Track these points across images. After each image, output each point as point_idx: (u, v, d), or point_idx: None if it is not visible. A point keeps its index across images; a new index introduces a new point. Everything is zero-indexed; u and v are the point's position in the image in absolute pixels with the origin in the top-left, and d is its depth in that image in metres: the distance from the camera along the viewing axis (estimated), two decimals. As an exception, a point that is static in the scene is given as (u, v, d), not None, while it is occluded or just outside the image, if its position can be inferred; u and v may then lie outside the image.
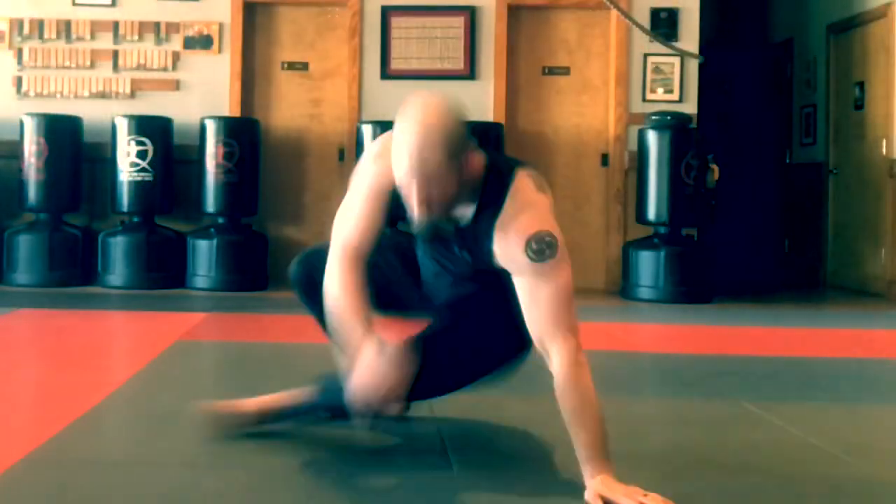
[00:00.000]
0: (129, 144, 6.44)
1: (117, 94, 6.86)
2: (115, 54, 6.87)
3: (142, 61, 6.87)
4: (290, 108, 7.04)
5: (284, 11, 7.07)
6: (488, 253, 2.24)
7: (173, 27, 6.89)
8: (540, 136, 7.07)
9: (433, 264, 2.48)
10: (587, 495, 2.10)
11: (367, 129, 6.50)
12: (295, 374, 3.62)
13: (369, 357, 2.17)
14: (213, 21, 6.91)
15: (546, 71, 7.10)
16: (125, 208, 6.50)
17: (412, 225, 2.25)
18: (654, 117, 6.57)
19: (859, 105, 7.54)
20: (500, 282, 2.26)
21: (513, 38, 7.02)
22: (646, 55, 6.93)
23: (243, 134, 6.58)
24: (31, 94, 6.85)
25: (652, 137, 6.52)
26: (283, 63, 7.06)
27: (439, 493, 2.25)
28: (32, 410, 3.11)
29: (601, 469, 2.11)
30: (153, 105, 6.80)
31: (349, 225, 2.34)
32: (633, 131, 6.86)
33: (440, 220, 2.24)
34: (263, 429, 2.64)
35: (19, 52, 6.86)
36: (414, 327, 2.22)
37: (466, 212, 2.26)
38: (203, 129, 6.54)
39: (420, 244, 2.50)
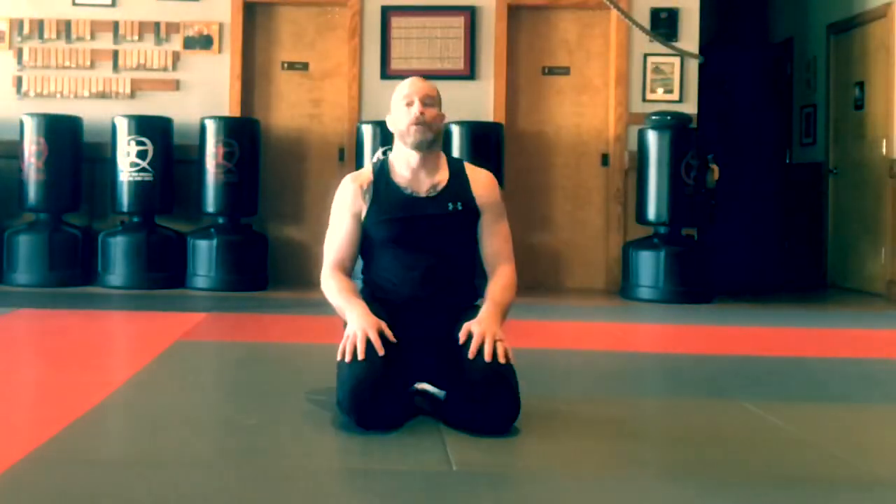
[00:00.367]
0: (129, 144, 6.44)
1: (117, 94, 6.87)
2: (115, 54, 6.88)
3: (142, 61, 6.88)
4: (290, 108, 7.05)
5: (284, 11, 7.07)
6: (472, 198, 3.00)
7: (173, 27, 6.90)
8: (540, 136, 7.07)
9: (413, 258, 2.99)
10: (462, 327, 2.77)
11: (367, 129, 6.51)
12: (295, 374, 3.63)
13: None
14: (213, 21, 6.91)
15: (546, 71, 7.10)
16: (125, 208, 6.50)
17: (405, 140, 2.96)
18: (654, 117, 6.57)
19: (859, 105, 7.54)
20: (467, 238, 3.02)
21: (513, 38, 7.02)
22: (646, 55, 6.94)
23: (243, 134, 6.58)
24: (31, 94, 6.85)
25: (652, 137, 6.52)
26: (283, 63, 7.06)
27: (439, 492, 2.25)
28: (32, 410, 3.11)
29: (489, 311, 2.83)
30: (153, 105, 6.80)
31: (335, 246, 3.04)
32: (633, 131, 6.86)
33: (427, 143, 2.96)
34: (265, 426, 2.63)
35: (19, 52, 6.86)
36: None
37: (441, 179, 3.01)
38: (203, 129, 6.54)
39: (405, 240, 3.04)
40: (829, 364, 4.28)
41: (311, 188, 7.01)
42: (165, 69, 6.89)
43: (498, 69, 6.93)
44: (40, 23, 6.86)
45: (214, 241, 6.39)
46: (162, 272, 6.44)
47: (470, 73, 6.91)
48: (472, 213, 3.00)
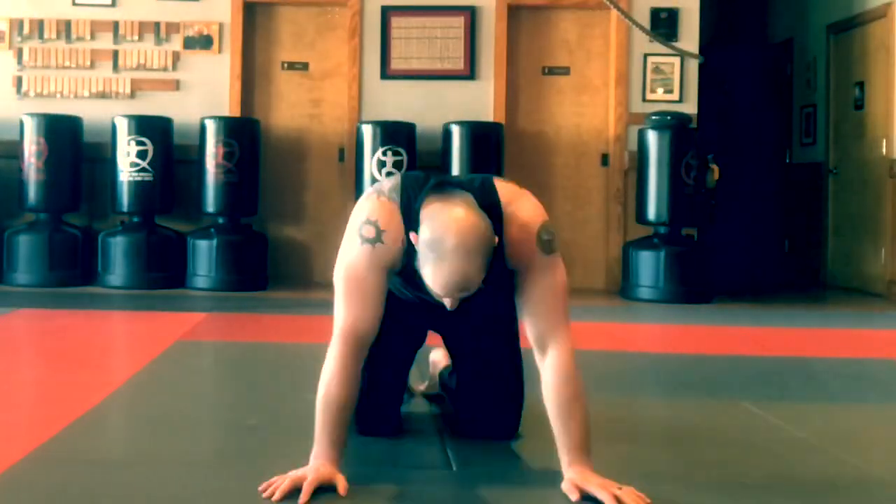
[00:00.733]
0: (129, 144, 6.44)
1: (117, 94, 6.87)
2: (115, 54, 6.88)
3: (142, 61, 6.88)
4: (290, 108, 7.05)
5: (284, 11, 7.07)
6: (504, 265, 2.28)
7: (173, 27, 6.90)
8: (540, 136, 7.07)
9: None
10: (564, 485, 2.15)
11: (367, 129, 6.51)
12: (295, 374, 3.62)
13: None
14: (213, 21, 6.91)
15: (546, 71, 7.10)
16: (125, 208, 6.50)
17: (426, 294, 2.24)
18: (654, 117, 6.57)
19: (859, 105, 7.54)
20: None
21: (513, 38, 7.02)
22: (646, 55, 6.94)
23: (243, 134, 6.58)
24: (31, 94, 6.85)
25: (652, 137, 6.52)
26: (283, 63, 7.06)
27: (439, 493, 2.25)
28: (32, 410, 3.10)
29: (581, 461, 2.17)
30: (153, 105, 6.80)
31: (355, 314, 2.26)
32: (633, 131, 6.86)
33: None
34: (265, 426, 2.63)
35: (19, 52, 6.86)
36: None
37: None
38: (203, 129, 6.54)
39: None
40: (829, 364, 4.27)
41: (311, 188, 7.01)
42: (165, 69, 6.89)
43: (498, 69, 6.93)
44: (40, 23, 6.86)
45: (214, 241, 6.39)
46: (162, 272, 6.44)
47: (470, 73, 6.91)
48: (503, 277, 2.32)
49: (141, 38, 6.89)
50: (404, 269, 2.27)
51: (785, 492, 2.31)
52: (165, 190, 6.57)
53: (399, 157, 6.41)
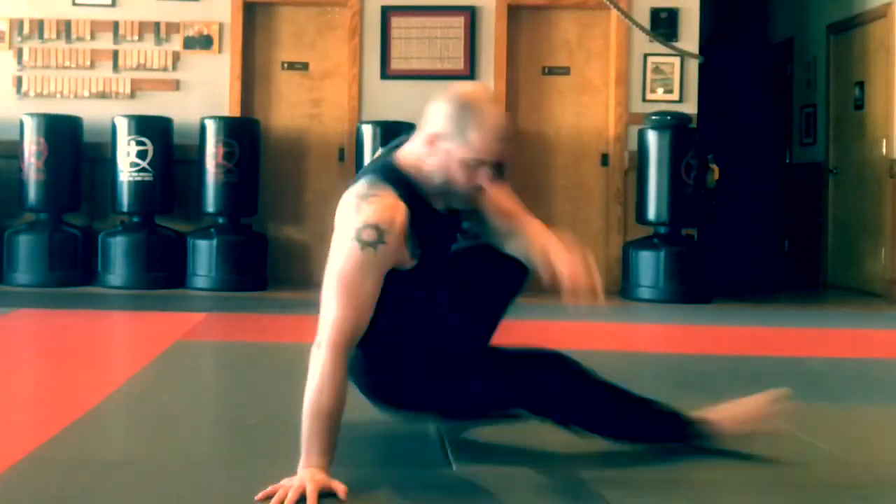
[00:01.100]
0: (129, 144, 6.44)
1: (117, 94, 6.87)
2: (115, 54, 6.88)
3: (142, 61, 6.87)
4: (290, 108, 7.05)
5: (284, 11, 7.07)
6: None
7: (173, 27, 6.89)
8: (540, 136, 7.07)
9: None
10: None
11: (367, 129, 6.51)
12: (295, 374, 3.62)
13: None
14: (213, 21, 6.91)
15: (546, 71, 7.10)
16: (125, 208, 6.50)
17: (457, 202, 2.43)
18: (654, 117, 6.57)
19: (859, 105, 7.54)
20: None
21: (513, 38, 7.02)
22: (646, 55, 6.93)
23: (243, 134, 6.58)
24: (31, 94, 6.85)
25: (652, 137, 6.52)
26: (283, 63, 7.06)
27: (439, 493, 2.25)
28: (32, 410, 3.11)
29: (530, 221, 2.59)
30: (153, 105, 6.80)
31: (349, 323, 2.22)
32: (633, 131, 6.86)
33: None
34: (265, 426, 2.63)
35: (19, 52, 6.86)
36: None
37: None
38: (203, 129, 6.54)
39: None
40: (828, 364, 4.27)
41: (311, 188, 7.01)
42: (165, 69, 6.89)
43: (498, 69, 6.93)
44: (40, 23, 6.86)
45: (214, 241, 6.39)
46: (162, 272, 6.44)
47: (470, 73, 6.90)
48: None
49: (141, 38, 6.89)
50: (418, 218, 2.30)
51: (784, 492, 2.31)
52: (165, 190, 6.57)
53: (399, 157, 6.40)
